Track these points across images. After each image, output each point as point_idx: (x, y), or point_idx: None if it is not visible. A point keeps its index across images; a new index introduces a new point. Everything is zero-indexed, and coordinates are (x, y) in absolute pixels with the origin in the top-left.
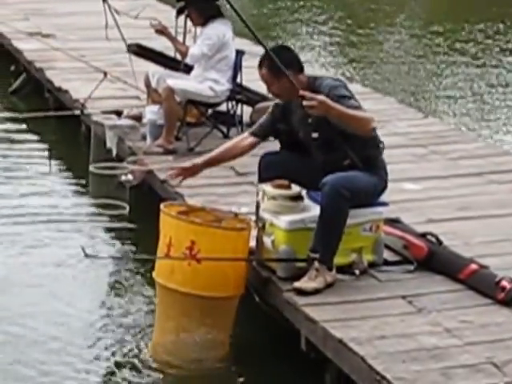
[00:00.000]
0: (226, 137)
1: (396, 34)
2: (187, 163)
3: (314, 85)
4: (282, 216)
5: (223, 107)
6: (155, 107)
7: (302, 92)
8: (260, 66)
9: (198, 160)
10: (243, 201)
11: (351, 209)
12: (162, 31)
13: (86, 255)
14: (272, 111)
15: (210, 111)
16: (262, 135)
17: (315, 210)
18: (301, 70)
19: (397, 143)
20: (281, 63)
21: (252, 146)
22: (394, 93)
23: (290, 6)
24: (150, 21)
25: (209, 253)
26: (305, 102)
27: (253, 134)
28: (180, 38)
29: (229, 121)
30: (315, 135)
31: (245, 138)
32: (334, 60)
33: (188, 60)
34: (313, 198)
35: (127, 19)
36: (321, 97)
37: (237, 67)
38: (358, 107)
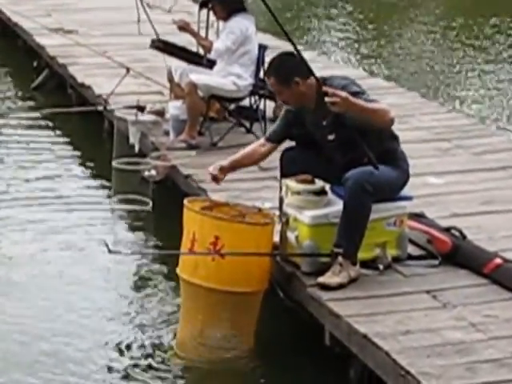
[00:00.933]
0: (249, 132)
1: (410, 28)
2: (217, 165)
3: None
4: (306, 211)
5: (246, 102)
6: (178, 102)
7: (325, 88)
8: (267, 74)
9: (224, 163)
10: (267, 196)
11: (375, 203)
12: (184, 28)
13: (110, 251)
14: (285, 116)
15: (232, 106)
16: (277, 140)
17: (339, 205)
18: (308, 74)
19: (420, 137)
20: (287, 70)
21: (270, 152)
22: (414, 87)
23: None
24: (173, 18)
25: (233, 248)
26: (327, 99)
27: (269, 140)
28: (202, 33)
29: (252, 116)
30: (331, 137)
31: (262, 144)
32: (351, 55)
33: (212, 55)
34: (336, 192)
35: (156, 14)
36: (343, 93)
37: (259, 62)
38: (374, 100)
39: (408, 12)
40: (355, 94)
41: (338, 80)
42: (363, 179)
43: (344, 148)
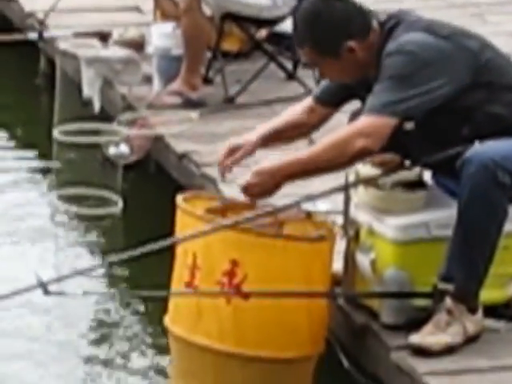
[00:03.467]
0: (292, 77)
1: None
2: (234, 141)
3: (385, 45)
4: (390, 217)
5: (287, 26)
6: (168, 26)
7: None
8: (297, 41)
9: (253, 135)
10: (321, 189)
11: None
12: None
13: (46, 291)
14: None
15: (263, 33)
16: (333, 102)
17: (448, 208)
18: (368, 28)
19: None
20: (331, 31)
21: (323, 119)
22: None
23: None
24: None
25: (262, 282)
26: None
27: (319, 100)
28: None
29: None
30: (409, 126)
31: (310, 107)
32: None
33: None
34: (443, 185)
35: None
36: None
37: None
38: (376, 109)
39: None
40: (385, 81)
41: (399, 43)
42: (495, 163)
43: (430, 136)
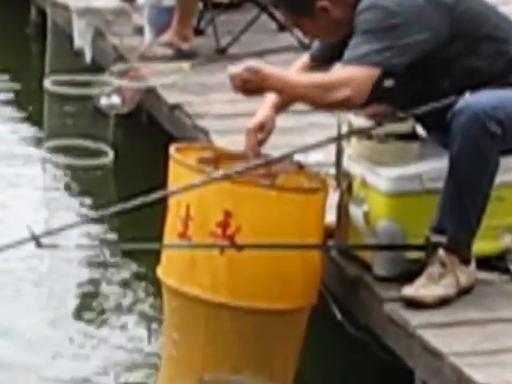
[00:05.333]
0: (283, 28)
1: None
2: (252, 123)
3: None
4: (383, 168)
5: None
6: None
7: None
8: (276, 4)
9: (265, 108)
10: (313, 140)
11: (504, 156)
12: None
13: (39, 244)
14: None
15: None
16: (328, 60)
17: (441, 160)
18: None
19: None
20: None
21: None
22: None
23: None
24: None
25: (256, 233)
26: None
27: (315, 58)
28: None
29: None
30: (389, 83)
31: (307, 64)
32: None
33: None
34: (436, 136)
35: None
36: (239, 67)
37: None
38: (356, 59)
39: None
40: (360, 35)
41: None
42: (486, 113)
43: (412, 90)
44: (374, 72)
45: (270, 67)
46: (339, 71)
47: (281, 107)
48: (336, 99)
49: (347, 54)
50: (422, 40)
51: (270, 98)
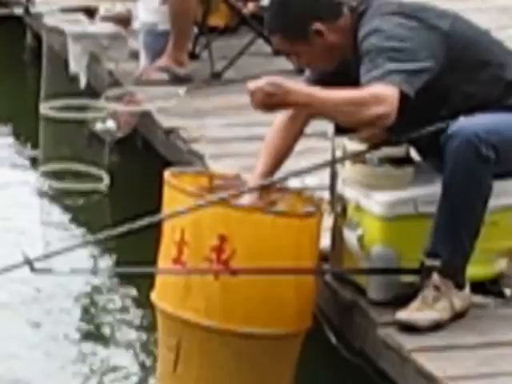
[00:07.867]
0: (279, 52)
1: None
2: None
3: (358, 30)
4: (377, 193)
5: None
6: (154, 1)
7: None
8: (269, 30)
9: (255, 177)
10: (308, 164)
11: (497, 179)
12: None
13: (32, 268)
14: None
15: (250, 7)
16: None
17: (434, 183)
18: (337, 11)
19: None
20: (297, 14)
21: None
22: None
23: None
24: None
25: (251, 258)
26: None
27: (310, 80)
28: None
29: None
30: None
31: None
32: None
33: None
34: (431, 161)
35: None
36: (263, 81)
37: None
38: (379, 78)
39: None
40: (368, 53)
41: (374, 22)
42: (479, 137)
43: (415, 121)
44: (397, 91)
45: (291, 81)
46: (368, 89)
47: (273, 171)
48: (371, 115)
49: (368, 75)
50: (430, 64)
51: (259, 166)
